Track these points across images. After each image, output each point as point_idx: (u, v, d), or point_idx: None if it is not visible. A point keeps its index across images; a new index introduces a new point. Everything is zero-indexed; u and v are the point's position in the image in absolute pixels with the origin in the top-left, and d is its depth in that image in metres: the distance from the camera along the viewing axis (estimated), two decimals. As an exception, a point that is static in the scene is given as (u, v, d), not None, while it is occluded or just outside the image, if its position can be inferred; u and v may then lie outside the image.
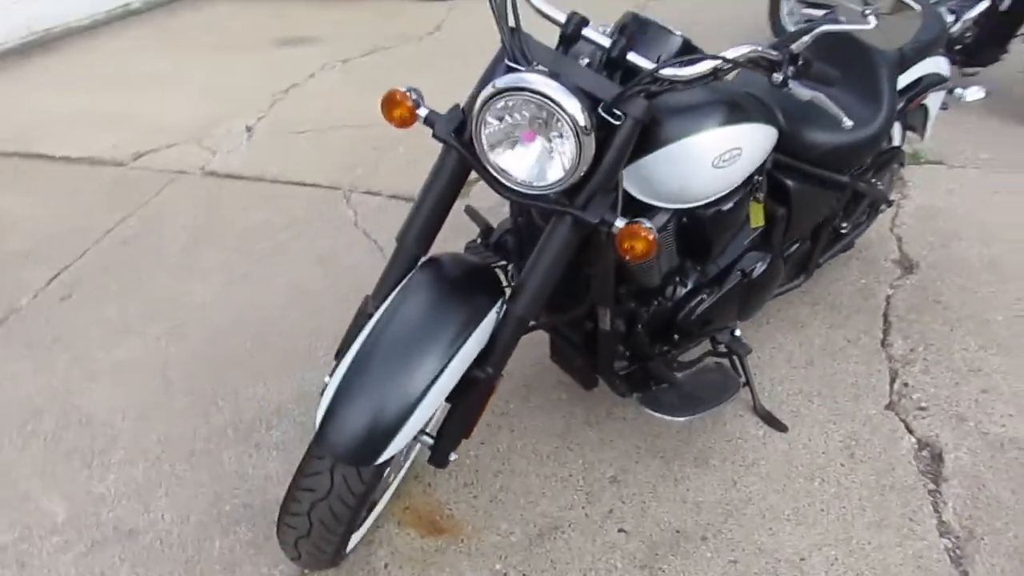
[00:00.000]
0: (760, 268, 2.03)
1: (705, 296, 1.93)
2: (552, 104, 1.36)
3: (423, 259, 1.62)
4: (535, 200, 1.49)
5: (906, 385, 2.22)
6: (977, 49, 4.02)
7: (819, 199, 2.16)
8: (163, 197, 3.37)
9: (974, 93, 2.60)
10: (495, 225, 2.13)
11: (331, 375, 1.66)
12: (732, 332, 2.11)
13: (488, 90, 1.42)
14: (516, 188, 1.48)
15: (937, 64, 2.43)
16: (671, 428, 2.10)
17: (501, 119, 1.43)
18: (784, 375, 2.27)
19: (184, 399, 2.25)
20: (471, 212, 2.22)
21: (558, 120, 1.38)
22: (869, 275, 2.70)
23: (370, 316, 1.62)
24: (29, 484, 1.98)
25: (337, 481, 1.44)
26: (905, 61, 2.29)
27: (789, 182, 2.04)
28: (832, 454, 2.00)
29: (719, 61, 1.45)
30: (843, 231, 2.37)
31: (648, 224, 1.44)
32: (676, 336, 1.95)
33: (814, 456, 2.00)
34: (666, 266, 1.87)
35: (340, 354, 1.69)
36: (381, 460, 1.39)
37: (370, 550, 1.79)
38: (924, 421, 2.09)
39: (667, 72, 1.44)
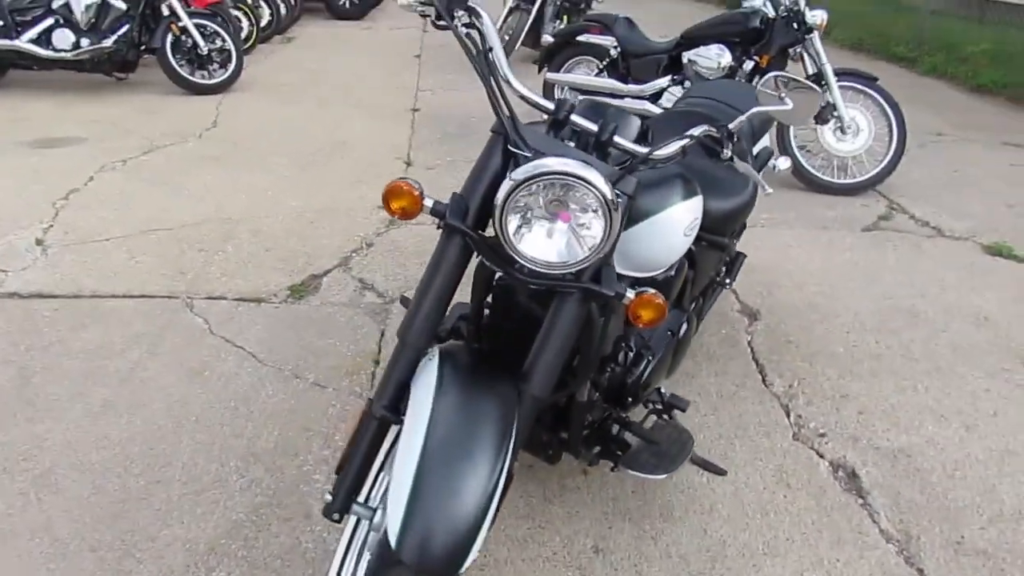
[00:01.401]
0: (684, 327, 2.20)
1: (649, 358, 2.06)
2: (582, 183, 1.41)
3: (431, 353, 1.57)
4: (552, 280, 1.52)
5: (800, 417, 2.50)
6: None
7: (712, 259, 2.41)
8: (-45, 327, 2.84)
9: (784, 163, 3.05)
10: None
11: (334, 492, 1.54)
12: (660, 390, 2.26)
13: (509, 183, 1.44)
14: (540, 270, 1.50)
15: (770, 138, 2.84)
16: (626, 489, 2.18)
17: (527, 206, 1.46)
18: (699, 423, 2.46)
19: (89, 558, 1.90)
20: (408, 301, 2.17)
21: (584, 197, 1.43)
22: (726, 325, 3.02)
23: (380, 420, 1.54)
24: None
25: (425, 599, 1.32)
26: (756, 134, 2.65)
27: (692, 246, 2.26)
28: (772, 487, 2.20)
29: (686, 140, 1.62)
30: (727, 286, 2.65)
31: (655, 291, 1.54)
32: (629, 399, 2.05)
33: (758, 492, 2.18)
34: (615, 333, 1.97)
35: (343, 467, 1.57)
36: (466, 566, 1.31)
37: None
38: (828, 446, 2.37)
39: (656, 154, 1.57)
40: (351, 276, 3.40)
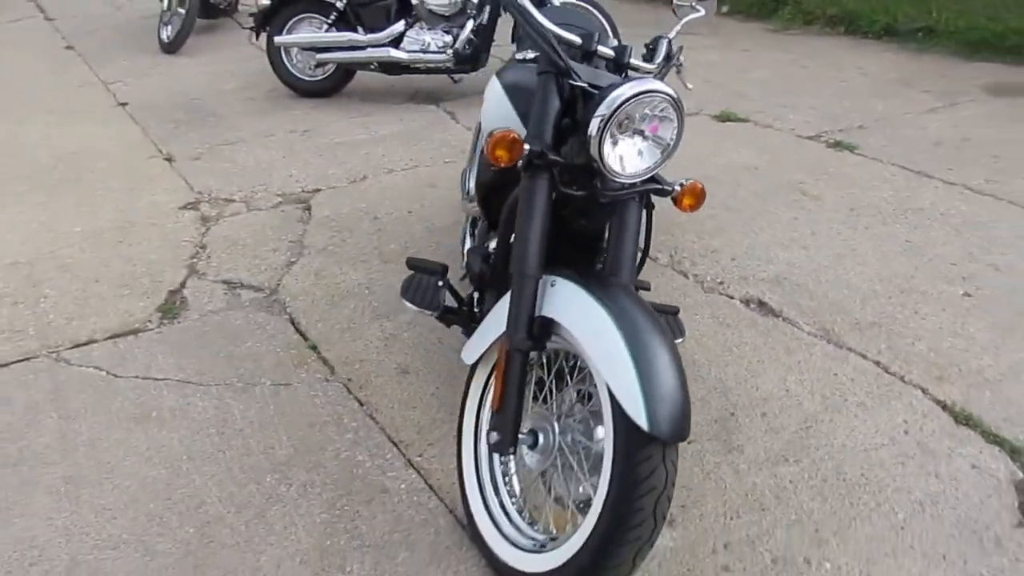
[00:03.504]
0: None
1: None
2: (660, 95, 1.67)
3: (550, 280, 1.73)
4: (629, 188, 1.77)
5: (696, 275, 3.02)
6: (474, 57, 5.04)
7: None
8: None
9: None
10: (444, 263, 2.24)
11: (499, 430, 1.68)
12: None
13: (598, 120, 1.64)
14: (625, 181, 1.73)
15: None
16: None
17: (621, 128, 1.67)
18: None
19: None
20: (415, 261, 2.24)
21: (658, 107, 1.68)
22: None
23: (525, 352, 1.68)
24: None
25: (669, 466, 1.54)
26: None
27: None
28: (719, 331, 2.68)
29: (666, 52, 1.96)
30: None
31: (696, 179, 1.87)
32: None
33: (713, 337, 2.65)
34: None
35: (501, 405, 1.69)
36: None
37: None
38: (731, 288, 2.92)
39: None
40: (211, 281, 3.19)
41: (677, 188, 1.84)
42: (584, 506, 1.71)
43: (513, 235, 2.02)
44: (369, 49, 5.05)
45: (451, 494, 2.07)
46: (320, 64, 5.25)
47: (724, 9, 7.44)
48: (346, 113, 5.07)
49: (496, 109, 2.01)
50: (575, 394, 1.78)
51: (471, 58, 5.04)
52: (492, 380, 1.93)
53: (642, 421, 1.48)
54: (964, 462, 2.08)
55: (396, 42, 5.05)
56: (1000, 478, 2.02)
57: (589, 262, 2.02)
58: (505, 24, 5.08)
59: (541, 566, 1.67)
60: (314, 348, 2.73)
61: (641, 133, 1.70)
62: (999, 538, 1.86)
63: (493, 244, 2.18)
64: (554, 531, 1.78)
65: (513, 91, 1.98)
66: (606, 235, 1.99)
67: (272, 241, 3.49)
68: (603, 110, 1.65)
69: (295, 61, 5.34)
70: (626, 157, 1.70)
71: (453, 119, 4.88)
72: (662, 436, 1.49)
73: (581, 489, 1.74)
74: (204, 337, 2.82)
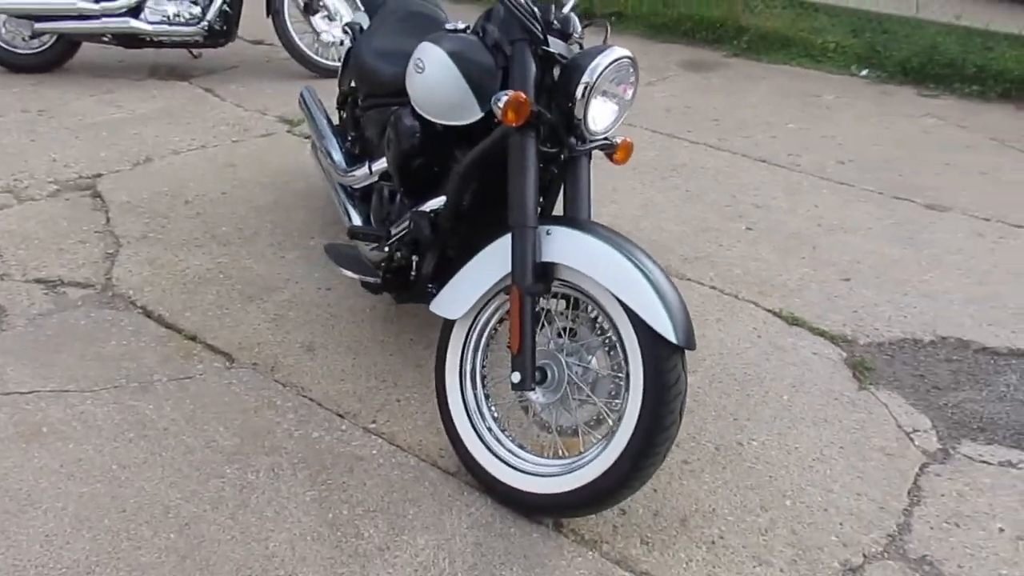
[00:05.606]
0: None
1: None
2: (628, 61, 1.93)
3: (546, 230, 1.90)
4: (595, 143, 2.01)
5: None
6: (227, 31, 4.79)
7: None
8: None
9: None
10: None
11: (520, 370, 1.85)
12: None
13: (583, 85, 1.87)
14: (596, 138, 1.97)
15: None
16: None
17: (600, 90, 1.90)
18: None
19: (247, 604, 1.69)
20: (357, 230, 2.24)
21: (624, 71, 1.94)
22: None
23: (535, 295, 1.86)
24: None
25: (685, 370, 1.81)
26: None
27: None
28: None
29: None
30: None
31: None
32: None
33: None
34: None
35: (520, 347, 1.84)
36: None
37: (566, 495, 2.04)
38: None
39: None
40: (21, 282, 2.79)
41: (615, 144, 2.11)
42: (593, 425, 1.94)
43: (460, 195, 2.16)
44: (104, 19, 4.53)
45: (425, 450, 2.16)
46: (36, 35, 4.59)
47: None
48: (84, 90, 4.51)
49: (444, 78, 2.07)
50: (562, 331, 1.99)
51: (224, 32, 4.76)
52: (471, 333, 2.05)
53: (670, 334, 1.74)
54: (807, 351, 2.66)
55: (135, 12, 4.59)
56: (834, 359, 2.63)
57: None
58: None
59: (574, 483, 1.86)
60: (194, 338, 2.55)
61: (607, 94, 1.94)
62: (852, 400, 2.44)
63: (428, 207, 2.26)
64: (565, 454, 1.97)
65: (460, 60, 2.07)
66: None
67: (73, 233, 3.10)
68: (587, 78, 1.87)
69: (3, 31, 4.60)
70: (598, 117, 1.94)
71: (214, 95, 4.60)
72: (682, 344, 1.76)
73: (577, 414, 1.95)
74: (51, 343, 2.48)
